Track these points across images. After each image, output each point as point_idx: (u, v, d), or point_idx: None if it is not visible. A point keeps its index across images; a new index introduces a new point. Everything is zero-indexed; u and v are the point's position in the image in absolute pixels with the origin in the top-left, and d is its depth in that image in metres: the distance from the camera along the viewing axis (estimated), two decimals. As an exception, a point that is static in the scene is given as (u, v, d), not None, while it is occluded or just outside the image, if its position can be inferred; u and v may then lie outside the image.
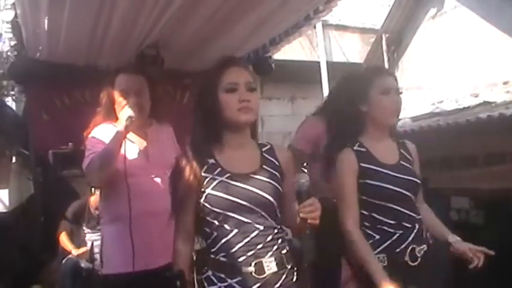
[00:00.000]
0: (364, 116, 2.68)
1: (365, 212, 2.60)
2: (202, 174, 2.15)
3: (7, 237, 6.73)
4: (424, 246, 2.57)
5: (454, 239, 2.63)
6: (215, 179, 2.14)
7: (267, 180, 2.19)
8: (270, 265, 2.13)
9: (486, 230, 5.44)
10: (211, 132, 2.19)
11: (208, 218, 2.15)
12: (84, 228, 5.60)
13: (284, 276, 2.16)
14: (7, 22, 4.32)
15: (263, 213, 2.14)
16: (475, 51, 6.85)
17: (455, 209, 5.83)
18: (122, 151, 2.90)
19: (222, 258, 2.14)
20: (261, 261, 2.12)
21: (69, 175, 6.24)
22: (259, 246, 2.12)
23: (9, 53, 4.61)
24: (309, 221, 2.04)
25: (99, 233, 4.03)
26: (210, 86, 2.19)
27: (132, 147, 2.98)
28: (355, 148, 2.64)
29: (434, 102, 6.89)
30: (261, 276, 2.11)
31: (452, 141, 5.31)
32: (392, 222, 2.55)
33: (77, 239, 5.63)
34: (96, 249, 4.83)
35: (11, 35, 4.44)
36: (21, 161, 7.20)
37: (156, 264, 2.90)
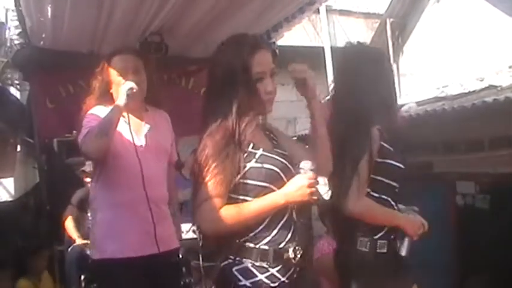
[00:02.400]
0: None
1: None
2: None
3: (13, 225, 6.77)
4: None
5: None
6: (255, 153, 2.02)
7: (286, 156, 2.11)
8: (299, 248, 2.02)
9: (492, 215, 5.43)
10: (237, 112, 2.01)
11: (247, 199, 2.00)
12: (88, 214, 5.60)
13: (303, 259, 2.05)
14: (12, 10, 4.29)
15: None
16: (480, 35, 6.80)
17: (461, 193, 5.82)
18: (132, 132, 2.88)
19: (263, 246, 2.00)
20: (296, 246, 2.01)
21: (74, 163, 6.26)
22: (293, 228, 2.03)
23: (15, 41, 4.58)
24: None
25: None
26: (236, 71, 2.01)
27: (126, 129, 2.90)
28: None
29: (439, 87, 6.85)
30: (295, 262, 2.01)
31: (458, 125, 5.28)
32: None
33: (82, 226, 5.65)
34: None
35: (16, 23, 4.40)
36: (26, 150, 7.22)
37: (161, 250, 2.91)
